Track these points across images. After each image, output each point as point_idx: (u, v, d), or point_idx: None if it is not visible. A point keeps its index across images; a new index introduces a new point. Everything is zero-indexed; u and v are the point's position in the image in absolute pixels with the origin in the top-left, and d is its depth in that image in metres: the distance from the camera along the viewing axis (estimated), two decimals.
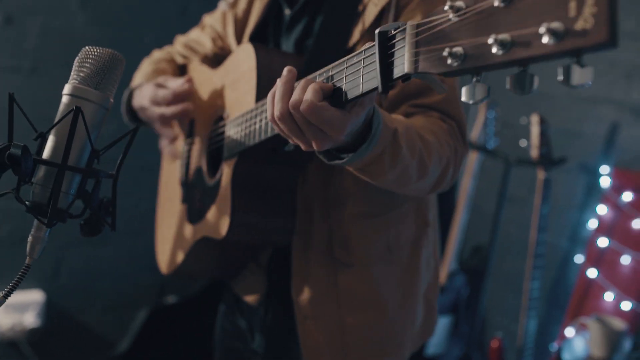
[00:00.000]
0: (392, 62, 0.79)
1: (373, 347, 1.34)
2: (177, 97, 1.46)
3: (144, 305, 2.91)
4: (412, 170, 1.08)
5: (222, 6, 1.67)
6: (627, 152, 2.76)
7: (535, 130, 2.61)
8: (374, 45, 0.83)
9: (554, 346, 2.90)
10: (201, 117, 1.53)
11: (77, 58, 0.97)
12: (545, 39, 0.57)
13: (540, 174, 2.62)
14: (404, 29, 0.77)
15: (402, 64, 0.76)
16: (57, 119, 0.94)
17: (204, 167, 1.46)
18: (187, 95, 1.48)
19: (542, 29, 0.57)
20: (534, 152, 2.62)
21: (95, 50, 0.96)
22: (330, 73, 0.93)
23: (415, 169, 1.09)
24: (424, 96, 1.23)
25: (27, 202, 0.92)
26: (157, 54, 1.77)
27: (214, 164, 1.44)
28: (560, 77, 0.60)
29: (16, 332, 2.64)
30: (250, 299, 1.43)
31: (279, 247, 1.37)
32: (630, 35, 2.71)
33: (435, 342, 3.06)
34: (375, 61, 0.81)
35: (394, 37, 0.79)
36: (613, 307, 2.69)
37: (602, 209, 2.83)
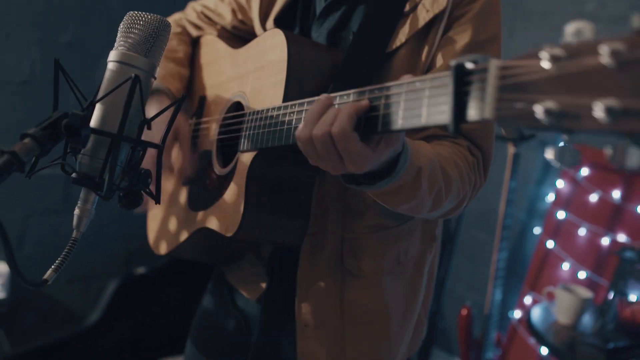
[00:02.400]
0: (467, 102, 0.71)
1: (370, 357, 1.30)
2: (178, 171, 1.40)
3: (111, 277, 2.85)
4: (426, 204, 1.07)
5: None
6: None
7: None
8: (446, 76, 0.75)
9: (514, 313, 3.04)
10: (214, 97, 1.44)
11: (122, 23, 0.94)
12: None
13: (511, 149, 2.71)
14: (486, 68, 0.68)
15: (480, 107, 0.68)
16: (105, 86, 0.90)
17: (214, 154, 1.37)
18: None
19: None
20: (503, 131, 2.70)
21: (143, 15, 0.93)
22: (386, 92, 0.86)
23: (429, 204, 1.08)
24: None
25: (74, 174, 0.89)
26: None
27: (224, 151, 1.36)
28: None
29: None
30: (247, 293, 1.38)
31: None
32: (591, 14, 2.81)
33: None
34: (446, 95, 0.74)
35: (471, 72, 0.71)
36: (569, 276, 2.84)
37: (560, 183, 2.96)
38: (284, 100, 1.12)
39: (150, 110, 1.35)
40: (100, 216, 2.88)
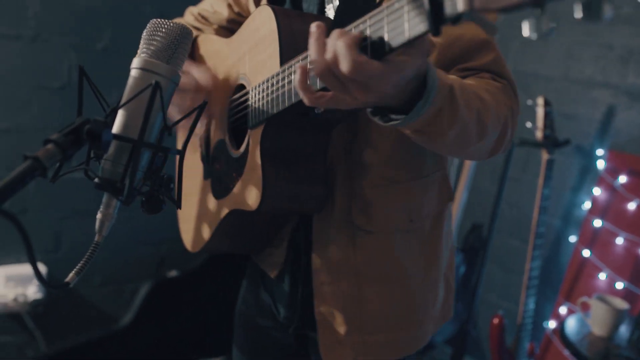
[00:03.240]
0: (443, 1, 0.72)
1: (389, 320, 1.30)
2: (199, 88, 1.39)
3: (143, 279, 2.89)
4: (471, 129, 1.03)
5: None
6: (622, 135, 2.81)
7: (540, 112, 2.64)
8: None
9: (548, 324, 2.97)
10: (217, 90, 1.46)
11: (145, 30, 0.96)
12: None
13: (544, 156, 2.66)
14: None
15: (455, 2, 0.69)
16: (127, 92, 0.92)
17: (227, 139, 1.39)
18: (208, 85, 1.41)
19: None
20: (539, 134, 2.65)
21: (165, 23, 0.94)
22: (368, 23, 0.85)
23: (474, 128, 1.04)
24: (471, 59, 1.17)
25: (96, 179, 0.91)
26: None
27: (237, 135, 1.38)
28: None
29: (19, 303, 2.62)
30: (273, 273, 1.40)
31: (304, 217, 1.32)
32: (626, 19, 2.75)
33: None
34: (422, 2, 0.74)
35: None
36: (607, 287, 2.76)
37: (597, 191, 2.89)
38: (281, 66, 1.13)
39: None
40: (132, 221, 2.96)
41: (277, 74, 1.10)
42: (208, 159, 1.50)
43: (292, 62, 1.04)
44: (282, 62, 1.13)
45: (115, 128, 0.91)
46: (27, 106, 2.67)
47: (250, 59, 1.30)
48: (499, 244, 3.26)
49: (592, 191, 2.91)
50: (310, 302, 1.30)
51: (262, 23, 1.22)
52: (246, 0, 1.50)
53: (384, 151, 1.22)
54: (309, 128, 1.20)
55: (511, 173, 3.18)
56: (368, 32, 0.85)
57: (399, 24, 0.79)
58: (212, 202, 1.47)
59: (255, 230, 1.42)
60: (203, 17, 1.61)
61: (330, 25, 1.15)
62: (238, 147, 1.34)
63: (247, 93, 1.27)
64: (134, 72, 0.93)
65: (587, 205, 2.95)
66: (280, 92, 1.08)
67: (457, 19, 0.71)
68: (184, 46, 0.95)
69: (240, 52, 1.35)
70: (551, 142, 2.61)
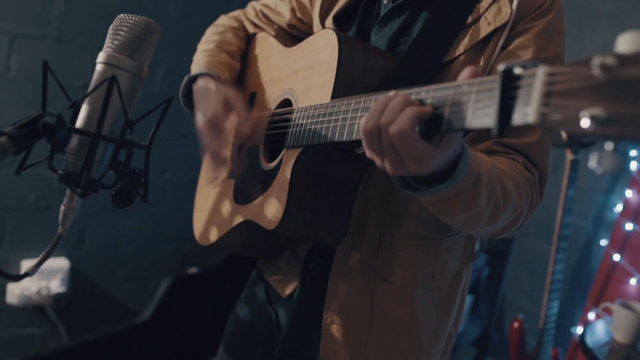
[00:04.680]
0: (513, 106, 0.70)
1: None
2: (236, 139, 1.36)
3: (165, 275, 2.94)
4: (483, 216, 1.03)
5: None
6: None
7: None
8: (493, 80, 0.73)
9: (576, 329, 2.88)
10: (264, 93, 1.45)
11: (111, 25, 0.96)
12: None
13: (569, 156, 2.58)
14: (534, 73, 0.67)
15: (527, 112, 0.67)
16: (91, 87, 0.93)
17: (261, 149, 1.38)
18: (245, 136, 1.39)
19: None
20: (563, 134, 2.57)
21: (130, 17, 0.95)
22: (432, 95, 0.83)
23: (487, 216, 1.03)
24: (512, 136, 1.16)
25: (59, 171, 0.92)
26: (223, 20, 1.64)
27: (271, 147, 1.37)
28: None
29: (42, 296, 2.69)
30: (281, 290, 1.39)
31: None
32: None
33: None
34: (492, 99, 0.72)
35: (519, 77, 0.70)
36: (637, 292, 2.66)
37: (629, 193, 2.78)
38: (332, 99, 1.12)
39: (198, 90, 1.39)
40: (157, 218, 3.00)
41: (327, 106, 1.09)
42: (238, 159, 1.46)
43: (343, 100, 1.03)
44: (334, 94, 1.12)
45: (79, 122, 0.92)
46: (52, 105, 2.72)
47: (303, 78, 1.28)
48: (527, 247, 3.18)
49: (624, 193, 2.81)
50: (317, 336, 1.29)
51: (325, 47, 1.21)
52: (310, 9, 1.48)
53: (419, 206, 1.20)
54: (344, 162, 1.19)
55: None
56: (431, 105, 0.83)
57: (463, 109, 0.78)
58: (230, 204, 1.46)
59: (267, 243, 1.41)
60: (264, 15, 1.58)
61: (396, 67, 1.14)
62: (270, 159, 1.33)
63: (291, 112, 1.26)
64: (98, 67, 0.94)
65: (618, 208, 2.85)
66: (325, 125, 1.08)
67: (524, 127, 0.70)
68: (149, 40, 0.95)
69: (295, 67, 1.34)
70: (576, 142, 2.52)
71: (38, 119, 0.84)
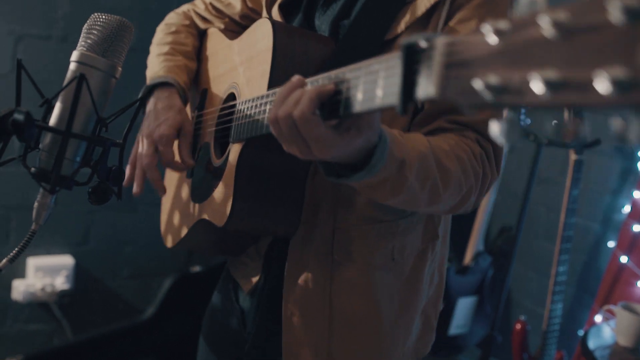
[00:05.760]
0: (416, 81, 0.69)
1: (357, 356, 1.27)
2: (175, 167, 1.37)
3: (170, 273, 2.96)
4: (419, 199, 1.04)
5: None
6: None
7: (567, 112, 2.53)
8: (397, 56, 0.72)
9: (582, 332, 2.85)
10: (214, 90, 1.45)
11: (85, 24, 0.97)
12: (604, 86, 0.46)
13: (572, 156, 2.55)
14: (435, 46, 0.66)
15: (428, 86, 0.66)
16: (64, 85, 0.94)
17: (212, 145, 1.38)
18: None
19: (601, 73, 0.46)
20: (557, 130, 2.54)
21: (103, 17, 0.96)
22: (344, 77, 0.84)
23: (426, 198, 1.04)
24: (461, 113, 1.13)
25: (32, 169, 0.93)
26: (174, 18, 1.59)
27: (222, 143, 1.36)
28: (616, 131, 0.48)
29: (47, 293, 2.72)
30: (245, 286, 1.37)
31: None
32: None
33: (459, 323, 3.04)
34: (396, 75, 0.71)
35: (422, 50, 0.68)
36: None
37: (637, 194, 2.74)
38: (269, 89, 1.11)
39: (159, 102, 1.38)
40: (160, 215, 3.01)
41: (262, 97, 1.09)
42: (194, 158, 1.47)
43: (276, 90, 1.02)
44: (270, 85, 1.12)
45: (52, 120, 0.94)
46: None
47: (243, 71, 1.28)
48: (534, 248, 3.15)
49: (632, 194, 2.77)
50: (279, 330, 1.27)
51: (262, 37, 1.20)
52: None
53: None
54: (287, 153, 1.19)
55: (548, 175, 3.06)
56: (343, 87, 0.83)
57: (374, 88, 0.77)
58: (189, 203, 1.46)
59: (226, 240, 1.40)
60: (214, 7, 1.54)
61: (335, 51, 1.13)
62: (220, 156, 1.33)
63: (234, 106, 1.26)
64: (71, 66, 0.95)
65: (626, 209, 2.81)
66: (262, 116, 1.07)
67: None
68: (122, 39, 0.96)
69: (237, 60, 1.33)
70: (579, 142, 2.49)
71: (7, 117, 0.86)
